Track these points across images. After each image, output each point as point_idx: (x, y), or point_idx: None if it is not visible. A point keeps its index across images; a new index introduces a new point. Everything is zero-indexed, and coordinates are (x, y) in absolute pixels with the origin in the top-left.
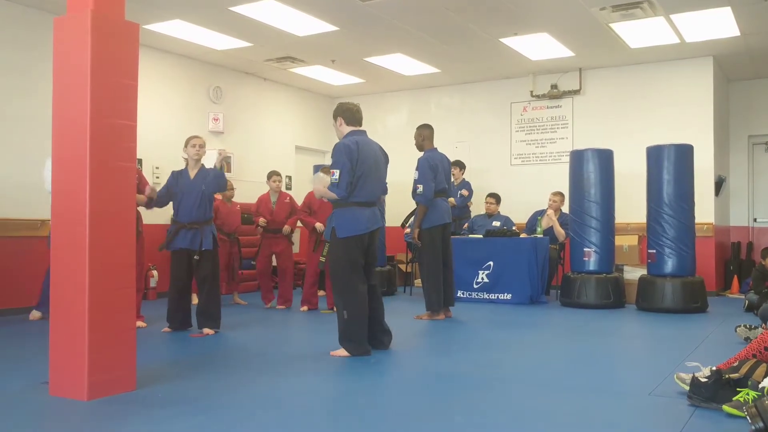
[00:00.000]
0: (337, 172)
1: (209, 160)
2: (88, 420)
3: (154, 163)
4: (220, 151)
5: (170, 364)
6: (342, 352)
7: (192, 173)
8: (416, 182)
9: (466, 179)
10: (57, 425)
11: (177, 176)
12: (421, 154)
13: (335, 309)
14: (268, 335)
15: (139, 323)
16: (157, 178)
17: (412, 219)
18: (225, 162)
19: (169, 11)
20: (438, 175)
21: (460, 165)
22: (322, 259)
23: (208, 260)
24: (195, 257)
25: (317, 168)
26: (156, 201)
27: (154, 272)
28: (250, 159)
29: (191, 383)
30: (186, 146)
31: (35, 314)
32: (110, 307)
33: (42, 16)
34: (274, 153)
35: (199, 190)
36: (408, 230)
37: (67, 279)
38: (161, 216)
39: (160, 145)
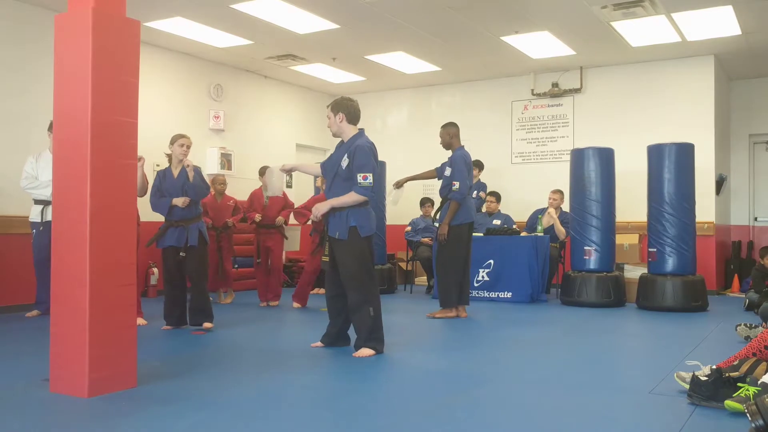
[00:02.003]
0: (370, 176)
1: (212, 160)
2: (89, 417)
3: (154, 160)
4: (186, 163)
5: (171, 361)
6: (367, 351)
7: (175, 172)
8: (451, 179)
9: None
10: (57, 422)
11: (162, 176)
12: (449, 152)
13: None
14: (267, 332)
15: (140, 321)
16: None
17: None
18: (195, 171)
19: (169, 8)
20: (470, 173)
21: (480, 165)
22: (325, 258)
23: (193, 257)
24: (180, 254)
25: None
26: (153, 204)
27: (155, 270)
28: (251, 157)
29: (192, 380)
30: (172, 144)
31: (33, 311)
32: (111, 304)
33: (43, 13)
34: (275, 151)
35: (182, 189)
36: (409, 228)
37: (68, 276)
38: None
39: (161, 143)
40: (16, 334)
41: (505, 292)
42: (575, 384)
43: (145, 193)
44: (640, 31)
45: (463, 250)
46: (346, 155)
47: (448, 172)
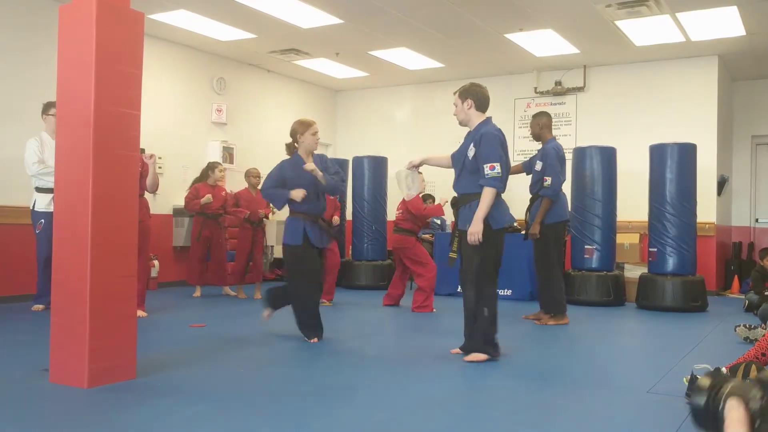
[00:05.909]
0: (497, 166)
1: (213, 154)
2: (88, 407)
3: (156, 153)
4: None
5: (170, 353)
6: (479, 356)
7: (308, 161)
8: (542, 174)
9: None
10: (57, 412)
11: (290, 166)
12: (539, 144)
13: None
14: (268, 328)
15: (140, 313)
16: (160, 168)
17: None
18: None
19: (173, 1)
20: (563, 167)
21: None
22: (453, 255)
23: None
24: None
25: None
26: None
27: (155, 262)
28: (253, 150)
29: (191, 372)
30: (302, 134)
31: (38, 306)
32: (111, 295)
33: (47, 4)
34: (278, 145)
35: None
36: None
37: (69, 267)
38: (164, 206)
39: (163, 135)
40: (15, 324)
41: (505, 290)
42: (573, 382)
43: (156, 189)
44: (644, 30)
45: (563, 249)
46: (472, 144)
47: (538, 166)
